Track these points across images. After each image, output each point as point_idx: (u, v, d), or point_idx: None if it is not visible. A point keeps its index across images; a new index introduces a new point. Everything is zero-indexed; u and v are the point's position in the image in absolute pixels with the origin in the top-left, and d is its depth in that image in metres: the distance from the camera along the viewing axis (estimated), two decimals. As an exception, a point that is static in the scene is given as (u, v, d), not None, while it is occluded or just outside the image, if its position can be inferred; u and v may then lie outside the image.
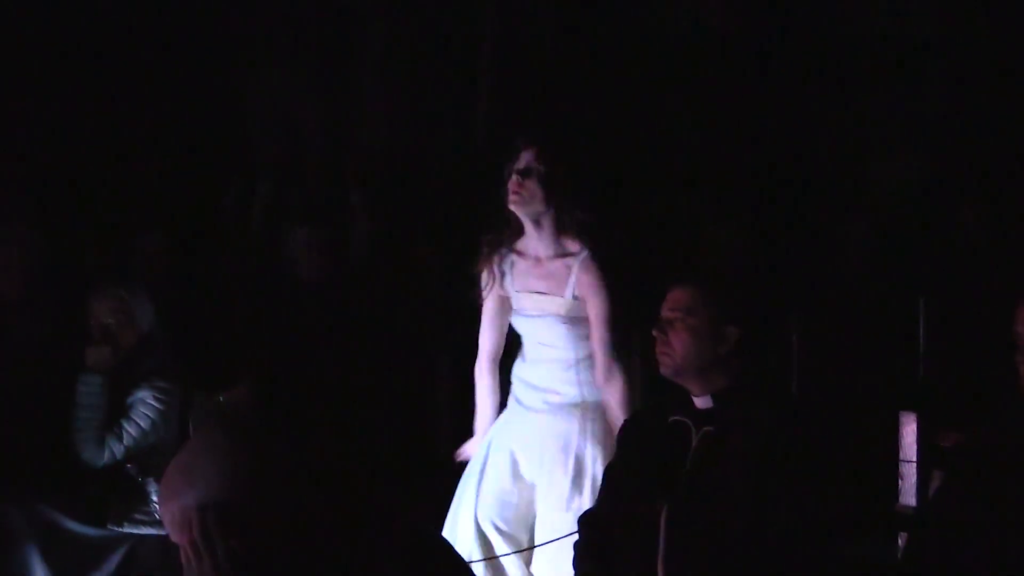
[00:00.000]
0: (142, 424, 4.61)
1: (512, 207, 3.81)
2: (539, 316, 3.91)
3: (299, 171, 6.41)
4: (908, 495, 4.31)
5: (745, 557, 3.01)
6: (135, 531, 4.56)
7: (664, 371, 3.25)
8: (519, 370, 4.02)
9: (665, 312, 3.24)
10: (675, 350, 3.20)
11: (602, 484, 3.43)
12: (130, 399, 4.64)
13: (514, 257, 3.94)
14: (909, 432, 4.34)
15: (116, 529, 4.56)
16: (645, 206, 6.12)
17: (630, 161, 6.26)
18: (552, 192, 3.77)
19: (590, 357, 3.88)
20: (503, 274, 3.96)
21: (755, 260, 5.63)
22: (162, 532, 4.54)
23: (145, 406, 4.62)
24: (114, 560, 4.52)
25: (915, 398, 4.74)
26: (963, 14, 6.18)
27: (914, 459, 4.31)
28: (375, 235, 6.21)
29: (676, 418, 3.20)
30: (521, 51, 6.45)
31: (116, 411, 4.61)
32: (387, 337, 5.54)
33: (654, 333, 3.25)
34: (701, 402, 3.20)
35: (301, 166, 6.43)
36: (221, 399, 4.81)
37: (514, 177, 3.77)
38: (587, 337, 3.88)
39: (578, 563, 3.24)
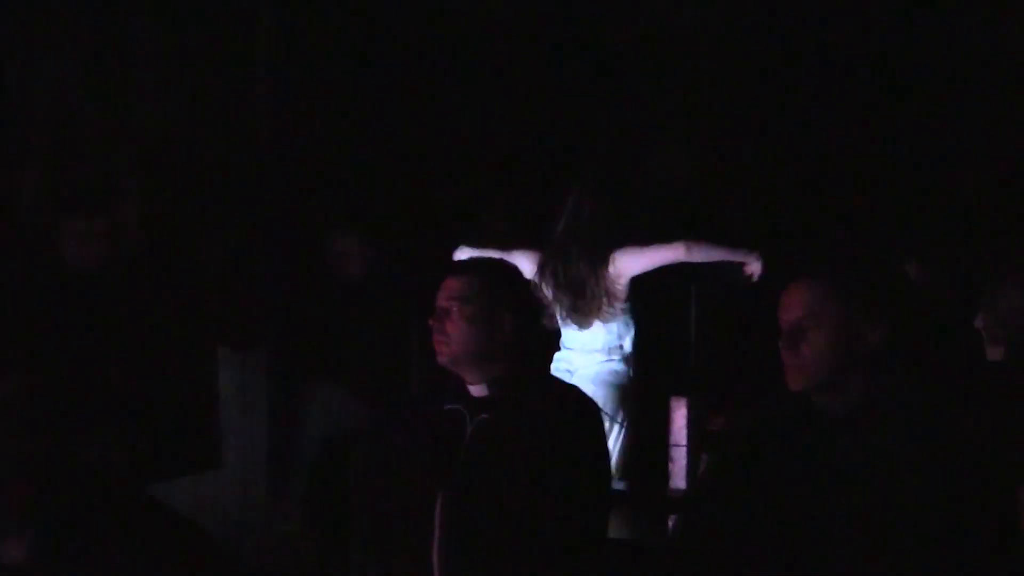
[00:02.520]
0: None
1: None
2: None
3: (70, 159, 6.23)
4: (678, 478, 4.44)
5: (519, 545, 3.04)
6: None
7: (441, 360, 3.25)
8: None
9: (441, 301, 3.26)
10: (451, 338, 3.21)
11: (380, 473, 3.44)
12: None
13: None
14: (679, 417, 4.46)
15: None
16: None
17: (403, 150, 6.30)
18: None
19: None
20: None
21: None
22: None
23: None
24: None
25: (685, 384, 4.88)
26: (730, 11, 6.36)
27: (684, 443, 4.43)
28: (149, 225, 6.08)
29: (451, 406, 3.22)
30: (300, 38, 6.39)
31: None
32: (162, 329, 5.44)
33: (430, 322, 3.27)
34: (476, 390, 3.22)
35: (72, 154, 6.24)
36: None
37: None
38: None
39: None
